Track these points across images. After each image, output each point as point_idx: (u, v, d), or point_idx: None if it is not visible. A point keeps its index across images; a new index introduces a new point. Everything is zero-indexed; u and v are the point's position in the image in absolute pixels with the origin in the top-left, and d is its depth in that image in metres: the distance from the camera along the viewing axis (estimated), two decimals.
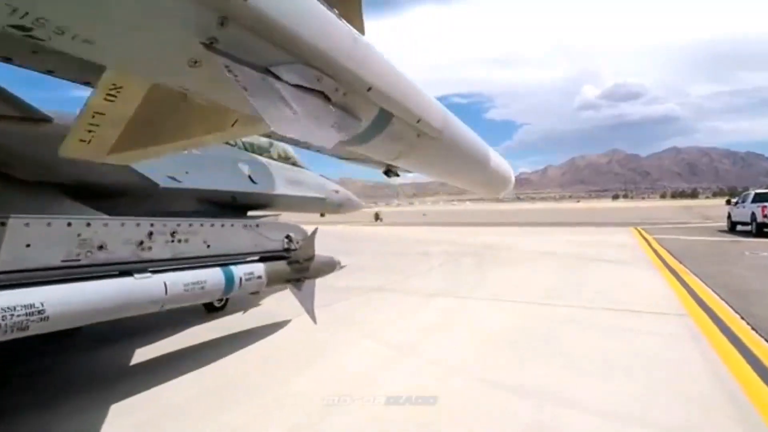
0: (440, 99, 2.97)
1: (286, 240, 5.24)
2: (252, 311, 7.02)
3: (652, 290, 7.62)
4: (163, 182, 5.14)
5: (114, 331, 5.73)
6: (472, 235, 22.92)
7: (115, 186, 4.61)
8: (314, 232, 5.41)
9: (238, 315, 6.67)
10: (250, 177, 6.99)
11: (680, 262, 10.55)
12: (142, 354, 4.99)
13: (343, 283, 9.48)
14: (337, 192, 9.72)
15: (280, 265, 5.05)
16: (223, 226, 4.40)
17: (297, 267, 5.21)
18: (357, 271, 11.20)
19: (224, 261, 4.32)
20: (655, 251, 13.18)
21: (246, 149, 7.43)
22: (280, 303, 7.49)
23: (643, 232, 20.41)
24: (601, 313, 6.15)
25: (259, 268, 4.63)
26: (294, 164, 8.58)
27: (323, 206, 9.44)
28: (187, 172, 5.80)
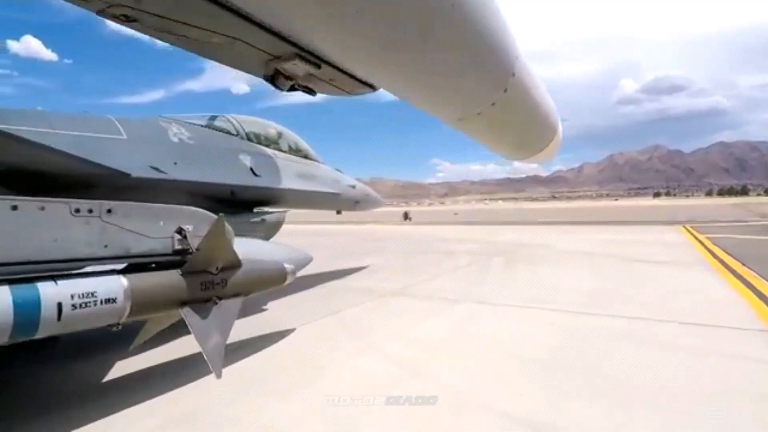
0: None
1: (177, 236, 3.39)
2: (254, 318, 6.38)
3: (718, 297, 6.48)
4: (140, 173, 4.54)
5: (96, 341, 5.22)
6: (504, 233, 21.75)
7: (58, 175, 3.93)
8: (220, 221, 3.50)
9: (238, 323, 6.07)
10: (252, 169, 6.36)
11: (743, 264, 9.22)
12: (119, 368, 4.41)
13: (361, 284, 8.79)
14: (353, 187, 9.00)
15: (166, 279, 3.23)
16: (15, 209, 2.54)
17: (203, 281, 3.43)
18: (378, 272, 10.47)
19: (21, 273, 2.57)
20: (710, 251, 11.76)
21: (250, 140, 6.81)
22: (291, 309, 6.86)
23: (692, 230, 18.69)
24: (658, 327, 5.12)
25: (113, 285, 2.85)
26: (306, 157, 7.92)
27: (338, 203, 8.74)
28: (175, 163, 5.21)
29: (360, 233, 25.81)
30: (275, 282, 4.46)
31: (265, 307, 6.95)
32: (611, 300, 6.58)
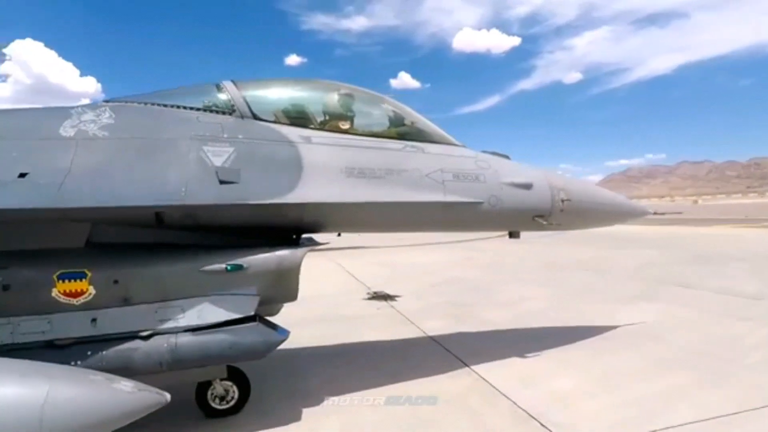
0: None
1: None
2: None
3: None
4: None
5: None
6: None
7: None
8: None
9: None
10: (217, 173, 3.44)
11: None
12: None
13: (544, 389, 3.97)
14: (526, 188, 4.43)
15: None
16: None
17: None
18: (626, 351, 5.26)
19: None
20: None
21: (259, 118, 3.85)
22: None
23: None
24: None
25: None
26: (398, 137, 4.22)
27: (480, 218, 4.40)
28: (22, 175, 3.02)
29: (700, 244, 16.69)
30: None
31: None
32: None
